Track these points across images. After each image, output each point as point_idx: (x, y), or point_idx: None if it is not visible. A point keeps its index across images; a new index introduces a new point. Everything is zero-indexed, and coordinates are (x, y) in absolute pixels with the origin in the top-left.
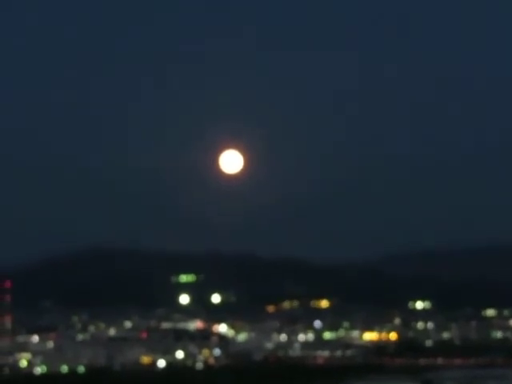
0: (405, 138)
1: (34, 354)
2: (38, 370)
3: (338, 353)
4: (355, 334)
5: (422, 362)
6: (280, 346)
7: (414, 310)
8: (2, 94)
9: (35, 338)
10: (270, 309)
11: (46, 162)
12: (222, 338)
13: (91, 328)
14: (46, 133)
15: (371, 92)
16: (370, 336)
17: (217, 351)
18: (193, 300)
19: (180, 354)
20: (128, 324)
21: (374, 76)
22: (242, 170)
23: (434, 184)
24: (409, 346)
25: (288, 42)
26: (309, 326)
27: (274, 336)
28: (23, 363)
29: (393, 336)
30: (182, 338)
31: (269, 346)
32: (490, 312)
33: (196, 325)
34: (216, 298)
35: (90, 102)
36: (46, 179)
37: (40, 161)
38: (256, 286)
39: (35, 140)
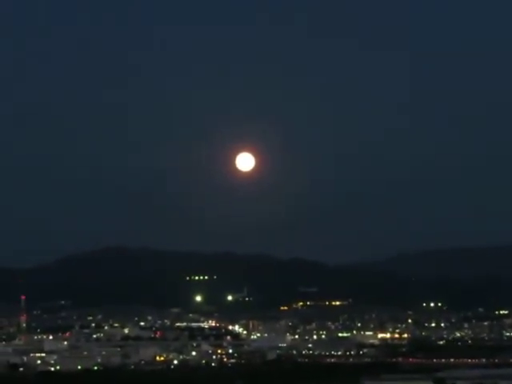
0: (415, 138)
1: (49, 353)
2: (53, 368)
3: (352, 352)
4: (368, 333)
5: (435, 361)
6: (293, 345)
7: (427, 310)
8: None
9: (50, 338)
10: (284, 309)
11: (61, 163)
12: (236, 337)
13: (106, 327)
14: (57, 135)
15: (385, 93)
16: (383, 336)
17: (230, 350)
18: (207, 300)
19: (194, 353)
20: (142, 323)
21: (390, 79)
22: (256, 171)
23: (445, 186)
24: (421, 346)
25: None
26: (322, 326)
27: (288, 335)
28: (38, 362)
29: (406, 336)
30: (195, 337)
31: (282, 345)
32: (503, 312)
33: (210, 324)
34: (230, 298)
35: (103, 102)
36: (60, 181)
37: (55, 163)
38: (270, 286)
39: (48, 143)
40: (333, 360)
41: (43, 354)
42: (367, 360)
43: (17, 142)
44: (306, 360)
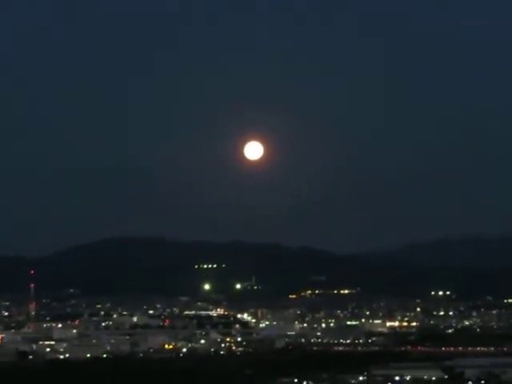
0: (424, 127)
1: (58, 341)
2: (62, 356)
3: (360, 341)
4: (377, 322)
5: (443, 349)
6: (302, 333)
7: (435, 299)
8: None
9: (59, 326)
10: (292, 297)
11: (73, 152)
12: (245, 325)
13: (115, 315)
14: (69, 134)
15: (396, 84)
16: (391, 324)
17: (239, 338)
18: (215, 288)
19: (202, 341)
20: (151, 311)
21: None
22: (265, 160)
23: (455, 175)
24: (430, 334)
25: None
26: (331, 315)
27: (296, 324)
28: (47, 350)
29: (414, 324)
30: (204, 325)
31: (291, 333)
32: (511, 300)
33: (218, 312)
34: (238, 287)
35: (109, 87)
36: (69, 170)
37: (65, 158)
38: (278, 274)
39: (61, 141)
40: (341, 348)
41: (52, 342)
42: (376, 348)
43: (21, 132)
44: (315, 348)
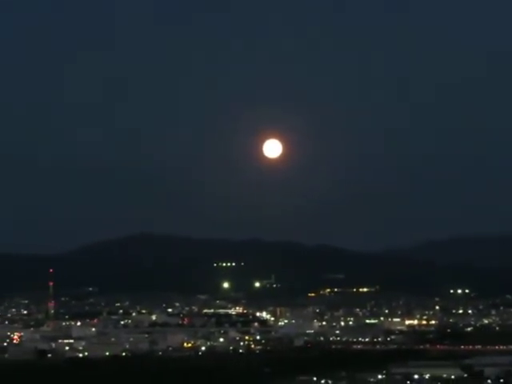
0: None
1: (77, 339)
2: (81, 355)
3: (379, 339)
4: (396, 320)
5: (462, 348)
6: (321, 332)
7: (454, 297)
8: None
9: (78, 324)
10: (311, 295)
11: (88, 150)
12: (263, 323)
13: (133, 314)
14: (84, 133)
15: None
16: (410, 322)
17: (258, 337)
18: (234, 286)
19: (221, 340)
20: (170, 310)
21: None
22: (284, 158)
23: (473, 173)
24: (449, 333)
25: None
26: (349, 313)
27: (315, 322)
28: (66, 348)
29: (433, 322)
30: (223, 323)
31: (309, 331)
32: None
33: (237, 311)
34: (257, 285)
35: (133, 89)
36: (87, 169)
37: (82, 150)
38: (297, 273)
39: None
40: (360, 346)
41: (71, 341)
42: (394, 347)
43: (44, 129)
44: (334, 346)
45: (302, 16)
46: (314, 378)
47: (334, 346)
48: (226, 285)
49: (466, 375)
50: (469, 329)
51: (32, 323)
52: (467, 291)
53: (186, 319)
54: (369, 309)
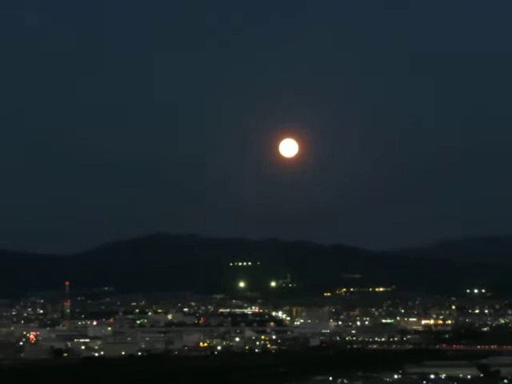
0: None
1: (93, 338)
2: (97, 354)
3: (395, 339)
4: (412, 320)
5: (478, 347)
6: (336, 331)
7: (471, 297)
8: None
9: (94, 323)
10: (327, 295)
11: (108, 152)
12: (279, 323)
13: (149, 313)
14: (97, 133)
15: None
16: (426, 322)
17: (273, 336)
18: (250, 286)
19: (237, 339)
20: (186, 309)
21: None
22: (300, 158)
23: (490, 172)
24: (465, 332)
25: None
26: (365, 312)
27: (331, 322)
28: (82, 348)
29: (449, 322)
30: (239, 323)
31: (325, 331)
32: None
33: (253, 310)
34: (273, 284)
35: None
36: (105, 169)
37: (103, 151)
38: (313, 272)
39: (91, 140)
40: (376, 346)
41: (87, 340)
42: (410, 346)
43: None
44: (349, 346)
45: (321, 16)
46: (330, 378)
47: (349, 346)
48: (242, 284)
49: (482, 375)
50: (485, 328)
51: (48, 322)
52: (483, 291)
53: (201, 319)
54: (385, 308)
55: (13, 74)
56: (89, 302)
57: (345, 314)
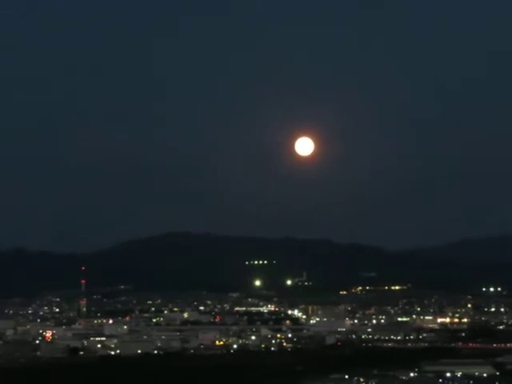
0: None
1: (109, 337)
2: (113, 352)
3: (411, 337)
4: (428, 318)
5: (494, 345)
6: (352, 330)
7: (487, 295)
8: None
9: (110, 322)
10: (343, 293)
11: (126, 151)
12: (295, 321)
13: (165, 312)
14: (113, 136)
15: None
16: (442, 320)
17: (289, 335)
18: (266, 284)
19: (253, 337)
20: (202, 308)
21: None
22: (316, 156)
23: (508, 172)
24: (481, 331)
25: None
26: (381, 311)
27: (347, 320)
28: (98, 346)
29: (465, 320)
30: (255, 321)
31: (341, 329)
32: None
33: (269, 308)
34: (289, 283)
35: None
36: (121, 169)
37: (121, 151)
38: (329, 270)
39: (107, 142)
40: (392, 344)
41: (103, 338)
42: (426, 344)
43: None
44: (365, 345)
45: (333, 16)
46: (346, 376)
47: (365, 344)
48: (257, 283)
49: (497, 373)
50: (501, 327)
51: (64, 321)
52: (499, 289)
53: (217, 317)
54: (401, 307)
55: (13, 73)
56: (105, 300)
57: (360, 312)
